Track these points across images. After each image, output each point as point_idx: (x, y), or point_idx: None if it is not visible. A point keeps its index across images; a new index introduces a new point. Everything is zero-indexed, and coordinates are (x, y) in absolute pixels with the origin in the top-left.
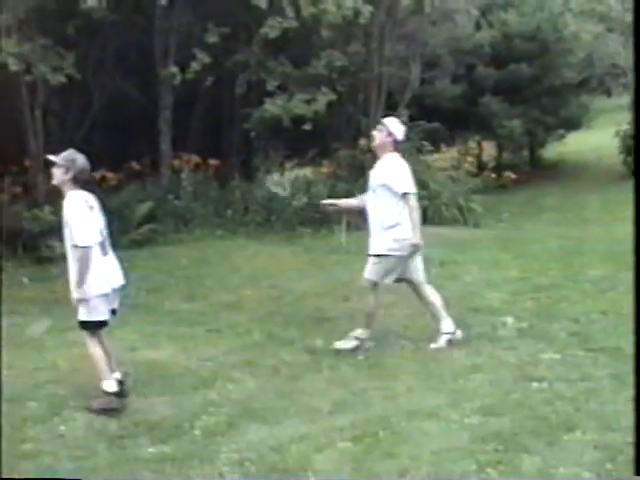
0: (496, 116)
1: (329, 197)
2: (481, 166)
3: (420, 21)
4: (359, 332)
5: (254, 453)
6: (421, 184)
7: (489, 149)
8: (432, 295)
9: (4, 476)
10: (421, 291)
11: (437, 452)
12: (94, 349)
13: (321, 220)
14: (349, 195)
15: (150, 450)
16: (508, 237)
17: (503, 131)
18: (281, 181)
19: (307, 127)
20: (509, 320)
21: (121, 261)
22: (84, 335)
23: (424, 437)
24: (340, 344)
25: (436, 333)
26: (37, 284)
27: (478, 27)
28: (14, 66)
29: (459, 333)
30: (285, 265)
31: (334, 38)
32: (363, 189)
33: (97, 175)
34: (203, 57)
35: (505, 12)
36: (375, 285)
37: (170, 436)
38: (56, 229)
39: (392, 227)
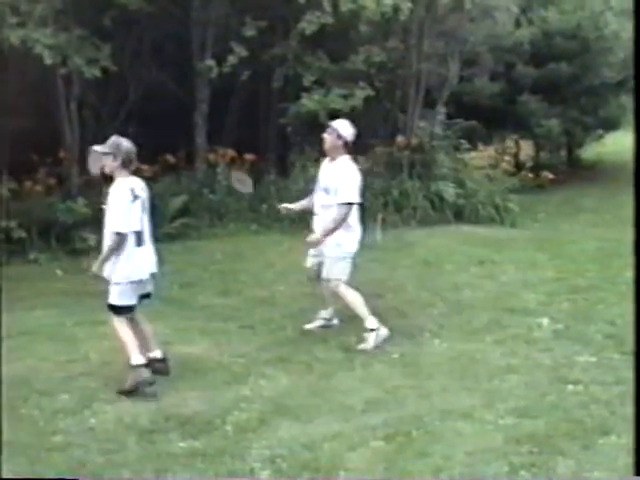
0: (534, 115)
1: (364, 194)
2: (518, 165)
3: (459, 18)
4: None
5: (286, 450)
6: (458, 182)
7: (527, 148)
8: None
9: (4, 476)
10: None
11: (470, 453)
12: (122, 329)
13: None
14: (385, 192)
15: (181, 445)
16: (545, 237)
17: (541, 130)
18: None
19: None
20: (545, 321)
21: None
22: (111, 317)
23: (458, 437)
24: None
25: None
26: (70, 276)
27: (518, 25)
28: (49, 59)
29: (336, 322)
30: None
31: (372, 33)
32: (400, 186)
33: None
34: (240, 51)
35: (545, 10)
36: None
37: (201, 431)
38: (89, 221)
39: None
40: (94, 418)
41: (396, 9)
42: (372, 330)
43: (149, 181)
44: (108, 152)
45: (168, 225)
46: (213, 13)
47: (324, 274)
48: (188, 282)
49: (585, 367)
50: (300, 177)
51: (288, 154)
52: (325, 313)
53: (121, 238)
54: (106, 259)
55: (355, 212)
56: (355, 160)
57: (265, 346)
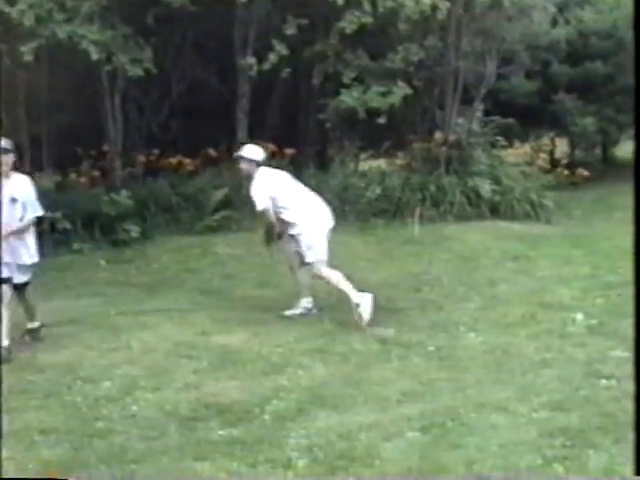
0: (570, 113)
1: (403, 189)
2: (554, 163)
3: (497, 16)
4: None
5: (323, 439)
6: (494, 179)
7: (562, 146)
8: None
9: (4, 476)
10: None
11: (504, 445)
12: None
13: (394, 212)
14: (423, 188)
15: (220, 433)
16: (579, 234)
17: (576, 128)
18: None
19: (381, 120)
20: (579, 316)
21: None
22: None
23: (492, 429)
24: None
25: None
26: (113, 266)
27: (554, 24)
28: (95, 55)
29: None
30: (358, 255)
31: (411, 32)
32: (437, 181)
33: (174, 161)
34: (281, 48)
35: (582, 9)
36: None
37: (240, 420)
38: (132, 213)
39: None
40: (135, 405)
41: (434, 7)
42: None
43: (191, 174)
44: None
45: (209, 217)
46: (255, 11)
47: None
48: (228, 274)
49: (618, 362)
50: (339, 171)
51: (327, 149)
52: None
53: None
54: None
55: None
56: (393, 155)
57: (303, 337)
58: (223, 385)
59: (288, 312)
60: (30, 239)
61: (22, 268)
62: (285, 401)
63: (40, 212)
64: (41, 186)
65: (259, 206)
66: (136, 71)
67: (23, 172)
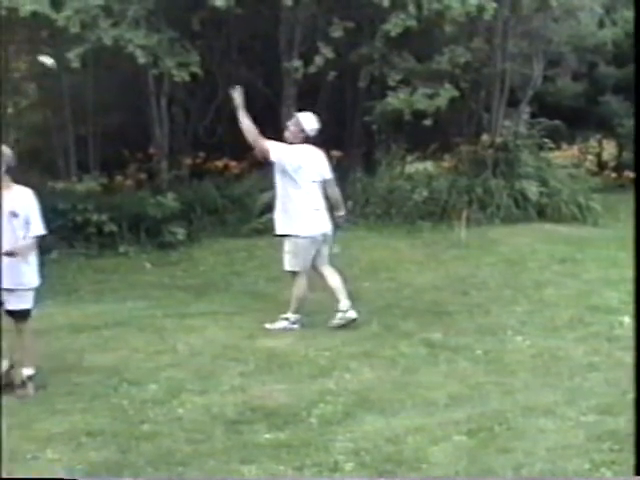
0: (617, 115)
1: (450, 192)
2: (601, 165)
3: (543, 18)
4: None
5: (370, 443)
6: (541, 181)
7: (610, 148)
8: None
9: (4, 476)
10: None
11: (552, 449)
12: None
13: (441, 215)
14: (470, 190)
15: (266, 436)
16: (627, 236)
17: (623, 130)
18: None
19: (428, 122)
20: (626, 319)
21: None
22: None
23: (539, 434)
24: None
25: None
26: (158, 269)
27: (601, 25)
28: (142, 59)
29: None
30: (404, 258)
31: (457, 34)
32: (484, 184)
33: (220, 164)
34: (327, 51)
35: (628, 10)
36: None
37: (286, 423)
38: (178, 216)
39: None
40: (181, 408)
41: (481, 9)
42: (286, 319)
43: (237, 177)
44: None
45: (255, 220)
46: (301, 14)
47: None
48: (274, 277)
49: None
50: (386, 174)
51: (374, 151)
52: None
53: None
54: None
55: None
56: (439, 157)
57: (350, 341)
58: (269, 388)
59: (335, 322)
60: (32, 260)
61: (19, 293)
62: (332, 405)
63: (42, 231)
64: (87, 188)
65: (267, 146)
66: (182, 75)
67: (69, 174)
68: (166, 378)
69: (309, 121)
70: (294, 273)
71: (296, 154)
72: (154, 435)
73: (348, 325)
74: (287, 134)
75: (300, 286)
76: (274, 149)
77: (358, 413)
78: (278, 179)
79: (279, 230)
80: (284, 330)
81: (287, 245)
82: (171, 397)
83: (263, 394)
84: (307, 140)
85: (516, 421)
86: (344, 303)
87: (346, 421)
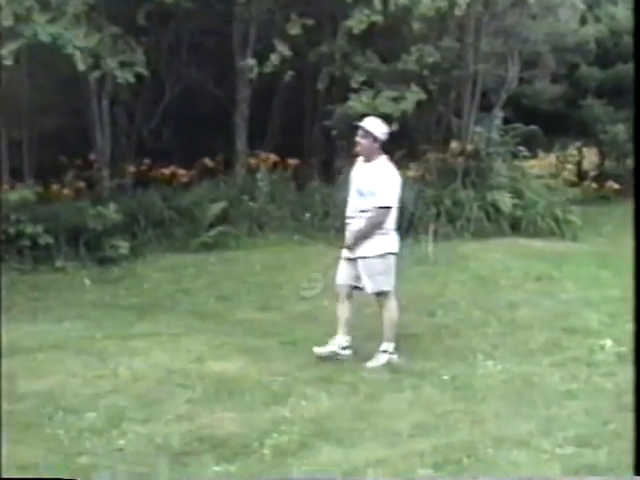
0: (599, 120)
1: (416, 203)
2: (581, 175)
3: (520, 14)
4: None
5: (327, 476)
6: (516, 192)
7: (591, 156)
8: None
9: (4, 476)
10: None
11: None
12: None
13: (407, 228)
14: (438, 202)
15: (215, 469)
16: (609, 253)
17: (606, 137)
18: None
19: (393, 128)
20: (608, 343)
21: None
22: None
23: (512, 466)
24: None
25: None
26: (99, 286)
27: (583, 22)
28: (82, 65)
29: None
30: None
31: (426, 31)
32: (453, 195)
33: (167, 171)
34: (283, 49)
35: (614, 5)
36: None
37: (237, 454)
38: (121, 228)
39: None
40: (123, 438)
41: (452, 4)
42: (385, 352)
43: (185, 186)
44: None
45: (205, 234)
46: (256, 9)
47: (370, 288)
48: (225, 295)
49: None
50: (346, 185)
51: (334, 159)
52: (342, 339)
53: None
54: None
55: (393, 217)
56: (405, 166)
57: (307, 364)
58: (219, 417)
59: (370, 364)
60: None
61: None
62: (286, 434)
63: None
64: (21, 197)
65: (388, 202)
66: (126, 76)
67: (1, 182)
68: (106, 406)
69: (376, 126)
70: (379, 295)
71: (391, 175)
72: (92, 468)
73: (304, 347)
74: (359, 150)
75: (393, 308)
76: (386, 196)
77: (315, 444)
78: (364, 199)
79: (370, 252)
80: (388, 364)
81: (378, 265)
82: (111, 426)
83: (212, 423)
84: (383, 148)
85: (486, 453)
86: (346, 338)
87: (302, 452)
